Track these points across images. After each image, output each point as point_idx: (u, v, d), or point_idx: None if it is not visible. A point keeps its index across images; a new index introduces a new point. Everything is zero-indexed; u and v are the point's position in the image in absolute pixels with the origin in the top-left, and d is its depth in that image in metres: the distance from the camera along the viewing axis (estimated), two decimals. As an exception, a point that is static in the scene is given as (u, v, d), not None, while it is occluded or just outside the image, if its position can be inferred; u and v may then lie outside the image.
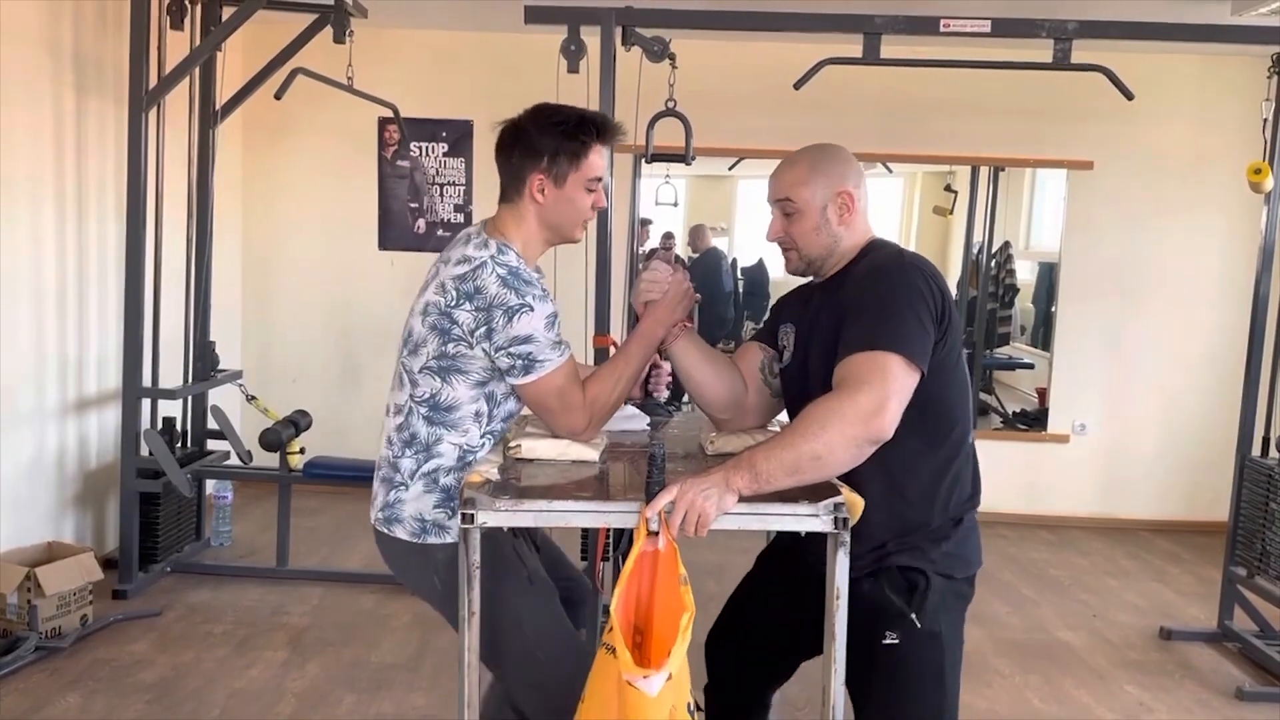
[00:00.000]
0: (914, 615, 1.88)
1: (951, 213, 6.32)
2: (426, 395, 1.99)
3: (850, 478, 1.80)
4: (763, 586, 2.20)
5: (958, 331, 1.93)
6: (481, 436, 2.02)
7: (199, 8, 4.40)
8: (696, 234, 7.35)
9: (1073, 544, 5.38)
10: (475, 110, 5.52)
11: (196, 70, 4.35)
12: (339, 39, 4.32)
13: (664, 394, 2.44)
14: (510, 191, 2.05)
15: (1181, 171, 5.56)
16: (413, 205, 5.69)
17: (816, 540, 1.91)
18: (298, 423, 4.46)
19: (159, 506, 4.24)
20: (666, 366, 2.35)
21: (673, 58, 3.37)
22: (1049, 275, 6.11)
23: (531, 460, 1.99)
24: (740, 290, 7.37)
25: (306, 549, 4.70)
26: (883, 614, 1.89)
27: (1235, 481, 4.03)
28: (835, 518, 1.71)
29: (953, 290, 2.31)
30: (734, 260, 7.43)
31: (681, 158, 3.47)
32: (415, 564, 2.05)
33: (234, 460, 4.59)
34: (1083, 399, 5.73)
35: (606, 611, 1.72)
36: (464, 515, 1.71)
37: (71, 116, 4.17)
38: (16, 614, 3.53)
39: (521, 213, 2.04)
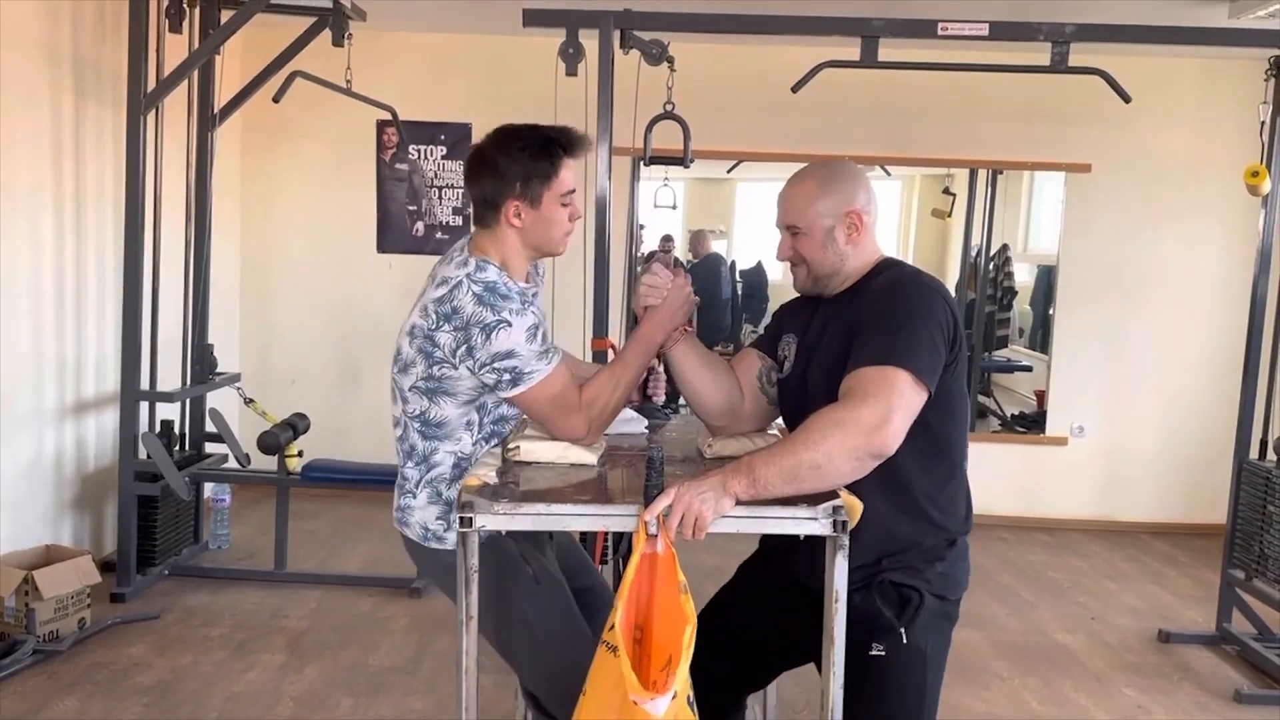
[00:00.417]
0: (903, 629, 1.88)
1: (950, 215, 6.33)
2: (418, 412, 2.03)
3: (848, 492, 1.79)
4: (743, 596, 2.18)
5: (965, 360, 1.93)
6: (474, 443, 2.05)
7: (197, 11, 4.40)
8: (697, 239, 7.34)
9: (1071, 546, 5.38)
10: (474, 113, 5.52)
11: (195, 73, 4.35)
12: (337, 42, 4.33)
13: (661, 398, 2.44)
14: (487, 218, 2.05)
15: (1179, 174, 5.57)
16: (411, 208, 5.70)
17: (803, 552, 1.91)
18: (296, 425, 4.46)
19: (157, 509, 4.24)
20: (663, 370, 2.35)
21: (671, 61, 3.37)
22: (1047, 278, 6.11)
23: (530, 463, 1.99)
24: (738, 293, 7.37)
25: (305, 552, 4.70)
26: (873, 626, 1.89)
27: (1233, 484, 4.03)
28: (834, 521, 1.71)
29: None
30: (732, 263, 7.44)
31: (680, 160, 3.47)
32: (427, 564, 2.14)
33: (232, 463, 4.59)
34: (1081, 401, 5.74)
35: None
36: (462, 519, 1.71)
37: (70, 120, 4.17)
38: (14, 617, 3.53)
39: (500, 237, 2.04)
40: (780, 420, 2.19)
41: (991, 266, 6.22)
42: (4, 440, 3.84)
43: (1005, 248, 6.30)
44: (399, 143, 5.58)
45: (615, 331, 3.67)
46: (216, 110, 4.57)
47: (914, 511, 1.92)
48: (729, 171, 6.79)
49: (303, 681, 3.43)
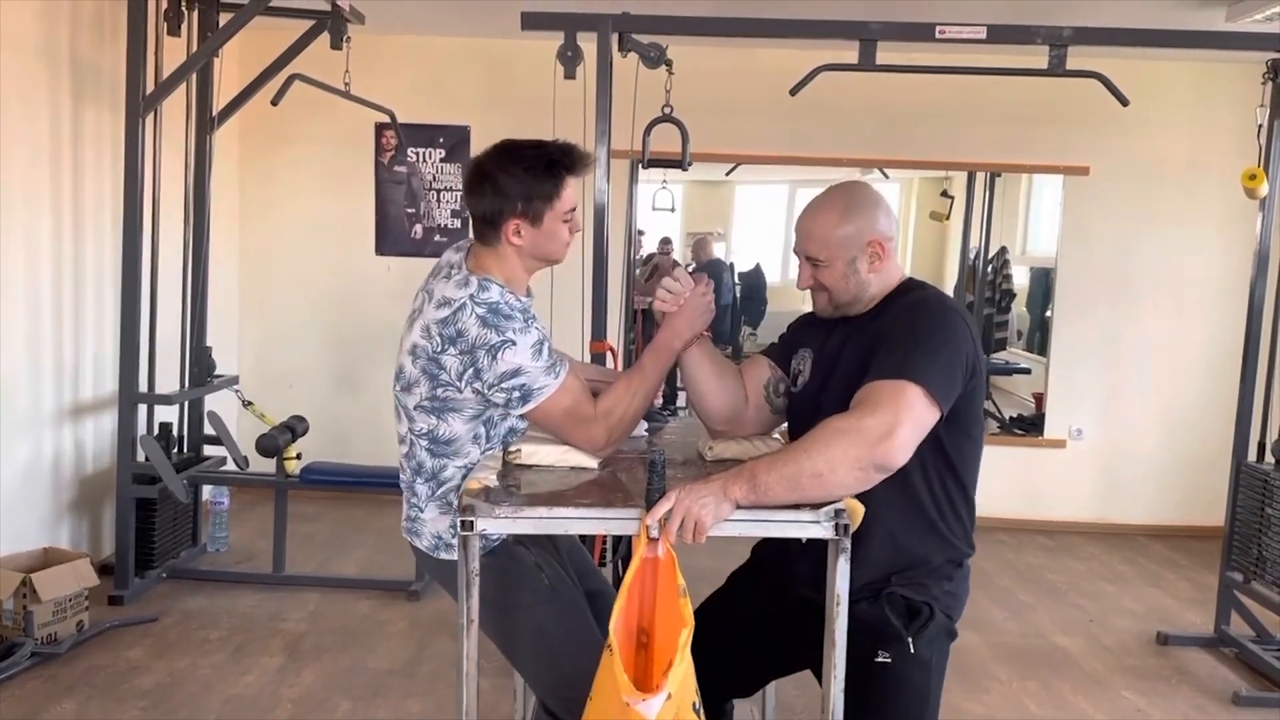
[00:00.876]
0: (910, 639, 1.88)
1: (948, 218, 6.33)
2: (425, 430, 2.02)
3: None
4: (733, 602, 2.18)
5: (983, 388, 1.92)
6: (483, 455, 2.03)
7: (196, 14, 4.40)
8: (699, 246, 7.34)
9: (1070, 549, 5.39)
10: (472, 116, 5.52)
11: (193, 76, 4.35)
12: (336, 45, 4.33)
13: (659, 400, 2.44)
14: (486, 235, 2.03)
15: (1177, 177, 5.58)
16: (410, 211, 5.69)
17: (799, 561, 1.90)
18: (294, 428, 4.45)
19: (155, 512, 4.23)
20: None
21: (669, 64, 3.37)
22: (1045, 280, 6.11)
23: (531, 466, 1.99)
24: (737, 296, 7.38)
25: (303, 555, 4.69)
26: (880, 634, 1.88)
27: (1231, 487, 4.04)
28: (836, 524, 1.70)
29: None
30: (731, 264, 7.45)
31: (678, 163, 3.47)
32: (438, 574, 2.13)
33: (230, 466, 4.58)
34: (1079, 404, 5.74)
35: None
36: (463, 523, 1.71)
37: (68, 122, 4.17)
38: (12, 620, 3.52)
39: (501, 253, 2.03)
40: (783, 427, 2.18)
41: (989, 269, 6.23)
42: (2, 442, 3.84)
43: (1003, 250, 6.31)
44: (397, 145, 5.58)
45: (614, 334, 3.67)
46: (215, 113, 4.57)
47: (925, 532, 1.93)
48: (727, 174, 6.79)
49: (301, 684, 3.43)
